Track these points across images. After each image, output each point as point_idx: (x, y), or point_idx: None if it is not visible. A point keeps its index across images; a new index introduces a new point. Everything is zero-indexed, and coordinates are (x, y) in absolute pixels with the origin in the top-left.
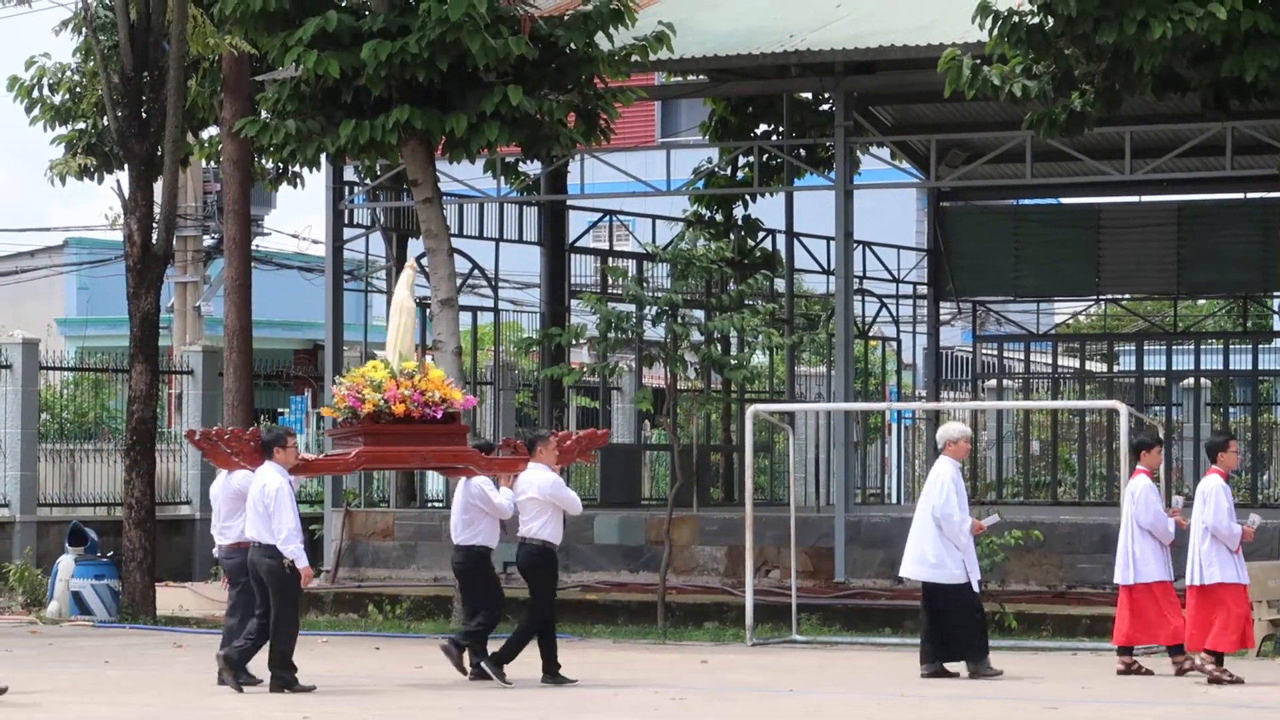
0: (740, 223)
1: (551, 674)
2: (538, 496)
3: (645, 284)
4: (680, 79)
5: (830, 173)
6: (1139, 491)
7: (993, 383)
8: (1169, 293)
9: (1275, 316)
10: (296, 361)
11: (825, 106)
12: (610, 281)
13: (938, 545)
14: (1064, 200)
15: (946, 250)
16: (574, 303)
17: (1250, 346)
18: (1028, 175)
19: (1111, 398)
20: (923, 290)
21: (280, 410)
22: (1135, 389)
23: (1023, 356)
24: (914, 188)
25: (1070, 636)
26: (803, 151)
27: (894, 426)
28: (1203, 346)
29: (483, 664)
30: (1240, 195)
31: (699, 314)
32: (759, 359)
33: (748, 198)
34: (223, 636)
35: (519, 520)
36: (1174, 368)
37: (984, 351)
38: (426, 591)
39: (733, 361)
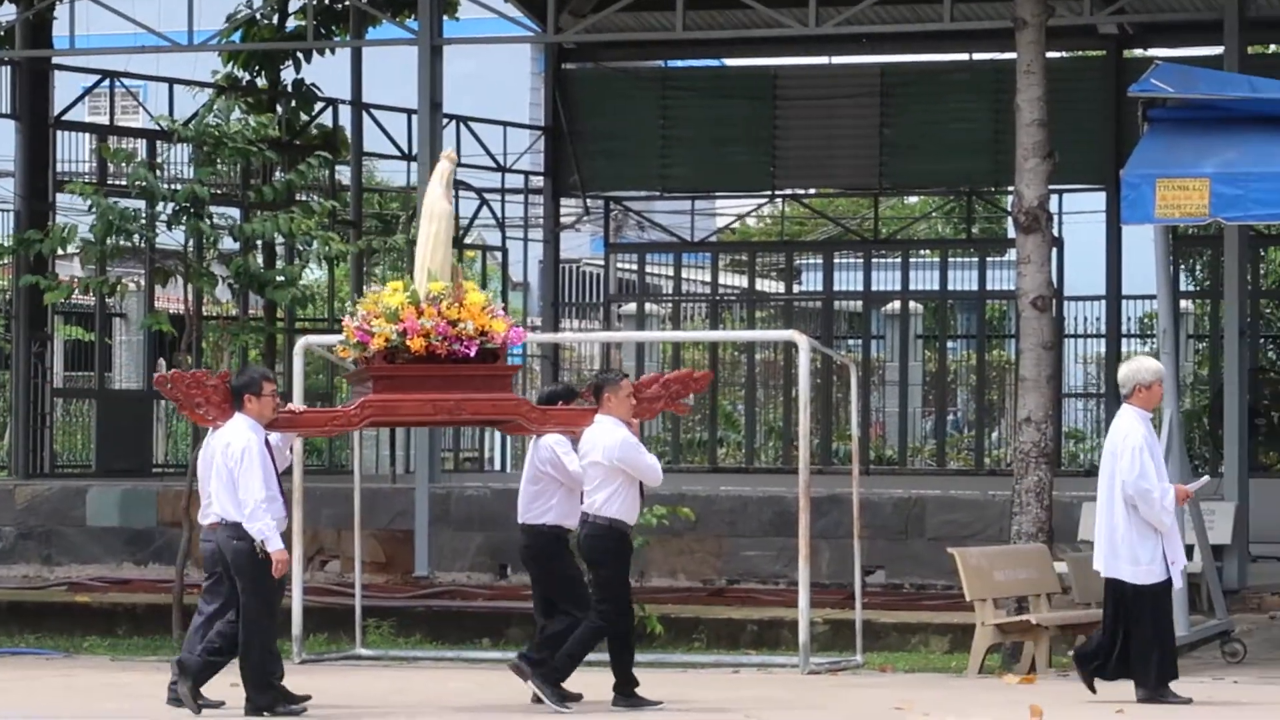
0: (290, 90)
1: (624, 694)
2: (603, 461)
3: (159, 171)
4: None
5: (413, 21)
6: None
7: (631, 307)
8: (868, 187)
9: (1009, 219)
10: None
11: None
12: (111, 168)
13: (1130, 531)
14: (729, 62)
15: (571, 129)
16: (61, 196)
17: (976, 259)
18: (679, 27)
19: (791, 326)
20: (537, 183)
21: None
22: (823, 315)
23: (672, 272)
24: (526, 43)
25: (732, 648)
26: None
27: None
28: (913, 258)
29: (533, 683)
30: (964, 56)
31: (233, 213)
32: (314, 274)
33: (301, 56)
34: (187, 638)
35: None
36: (875, 287)
37: (620, 265)
38: None
39: (278, 278)
